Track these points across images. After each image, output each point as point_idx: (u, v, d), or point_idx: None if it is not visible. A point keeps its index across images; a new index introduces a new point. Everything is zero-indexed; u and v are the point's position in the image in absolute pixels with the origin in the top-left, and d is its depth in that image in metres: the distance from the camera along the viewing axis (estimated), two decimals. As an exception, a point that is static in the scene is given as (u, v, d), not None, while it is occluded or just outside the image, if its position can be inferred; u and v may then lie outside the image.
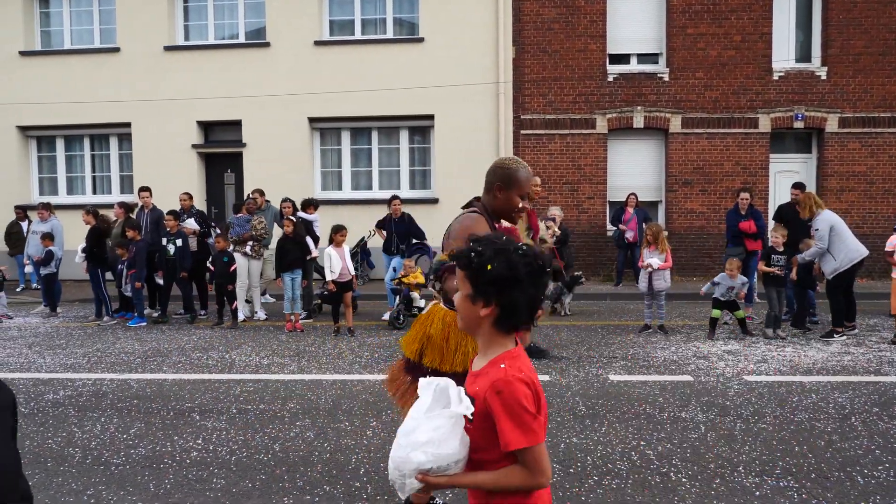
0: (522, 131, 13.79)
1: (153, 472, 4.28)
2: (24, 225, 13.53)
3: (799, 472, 4.21)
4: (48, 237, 10.81)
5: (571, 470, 4.25)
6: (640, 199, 12.91)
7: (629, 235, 12.43)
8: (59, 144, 15.20)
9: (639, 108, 13.63)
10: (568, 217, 12.44)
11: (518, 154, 13.77)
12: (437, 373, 3.18)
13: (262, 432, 4.99)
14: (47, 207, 11.51)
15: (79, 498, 3.90)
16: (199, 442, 4.80)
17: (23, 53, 14.68)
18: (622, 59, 13.95)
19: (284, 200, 10.08)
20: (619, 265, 12.94)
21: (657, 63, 13.88)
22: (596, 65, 13.66)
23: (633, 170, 14.04)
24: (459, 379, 2.93)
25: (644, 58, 14.00)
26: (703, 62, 13.52)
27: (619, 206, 13.08)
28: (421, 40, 13.84)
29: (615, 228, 12.96)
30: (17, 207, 14.02)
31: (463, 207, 3.45)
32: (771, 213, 11.38)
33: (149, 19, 14.34)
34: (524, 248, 1.76)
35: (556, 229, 10.12)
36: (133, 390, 6.20)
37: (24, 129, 14.91)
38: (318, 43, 14.03)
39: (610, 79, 13.68)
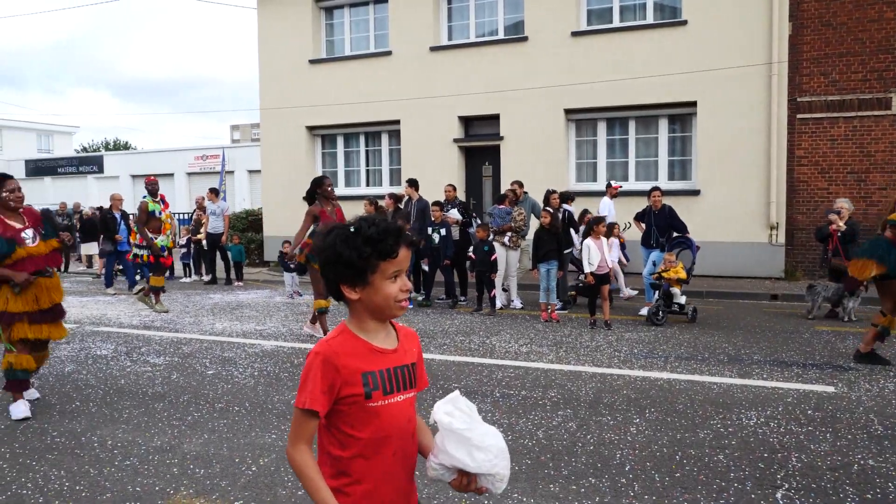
0: (799, 115, 12.52)
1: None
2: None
3: None
4: (331, 225, 12.07)
5: (869, 495, 3.76)
6: (947, 190, 11.09)
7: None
8: (339, 142, 16.89)
9: (949, 83, 11.68)
10: (854, 210, 11.07)
11: (794, 140, 12.55)
12: None
13: (526, 418, 5.09)
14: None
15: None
16: (467, 421, 5.01)
17: (311, 62, 16.50)
18: (928, 27, 12.04)
19: (552, 192, 10.21)
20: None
21: (976, 29, 11.77)
22: (894, 35, 11.94)
23: (939, 156, 12.07)
24: None
25: (958, 24, 11.94)
26: None
27: (919, 198, 11.35)
28: (684, 23, 13.16)
29: (913, 224, 11.28)
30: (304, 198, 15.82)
31: None
32: None
33: (417, 23, 15.33)
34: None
35: (841, 224, 9.09)
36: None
37: (311, 129, 16.79)
38: (575, 34, 13.97)
39: (911, 51, 11.89)
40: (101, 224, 13.90)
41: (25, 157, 38.99)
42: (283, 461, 4.27)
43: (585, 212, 10.75)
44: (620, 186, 11.63)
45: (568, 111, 14.16)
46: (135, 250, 10.70)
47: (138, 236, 10.42)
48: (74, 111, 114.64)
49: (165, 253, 10.44)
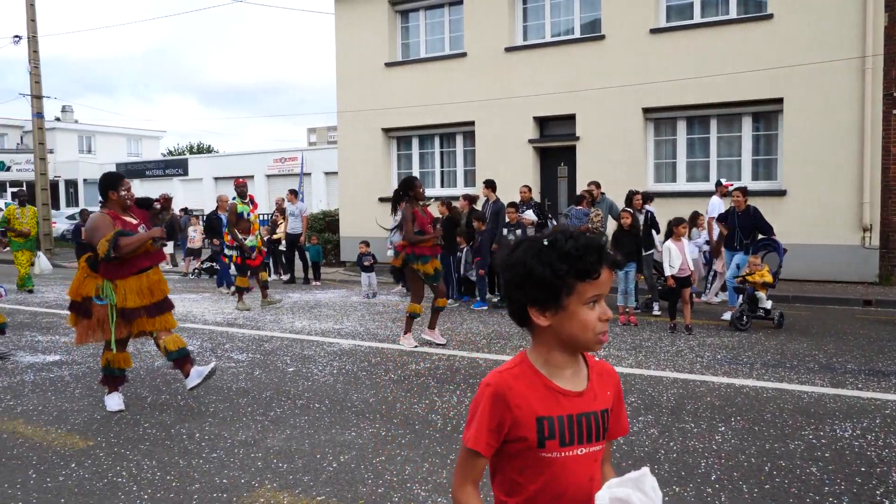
0: (895, 111, 11.87)
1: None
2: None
3: None
4: (406, 226, 12.18)
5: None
6: None
7: None
8: (415, 143, 17.03)
9: None
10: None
11: (890, 137, 11.91)
12: None
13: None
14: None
15: (443, 460, 4.29)
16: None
17: (387, 64, 16.70)
18: None
19: (634, 193, 10.02)
20: None
21: None
22: None
23: None
24: None
25: None
26: None
27: None
28: (769, 17, 12.67)
29: None
30: (381, 199, 16.09)
31: None
32: None
33: (492, 23, 15.31)
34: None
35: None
36: (481, 368, 6.67)
37: (387, 131, 17.00)
38: (654, 31, 13.65)
39: None
40: (207, 225, 14.42)
41: (117, 161, 40.96)
42: (363, 458, 4.32)
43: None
44: (732, 185, 11.28)
45: (646, 110, 13.85)
46: (225, 251, 11.10)
47: (230, 237, 10.75)
48: (162, 116, 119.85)
49: (254, 254, 10.73)
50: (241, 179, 11.14)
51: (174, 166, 36.87)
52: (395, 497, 3.77)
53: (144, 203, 5.71)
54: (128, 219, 5.38)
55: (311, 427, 4.97)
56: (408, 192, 7.65)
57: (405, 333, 7.79)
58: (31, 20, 21.46)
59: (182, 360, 5.43)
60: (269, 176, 32.23)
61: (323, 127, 47.96)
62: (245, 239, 10.59)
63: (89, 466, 4.30)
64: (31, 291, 12.94)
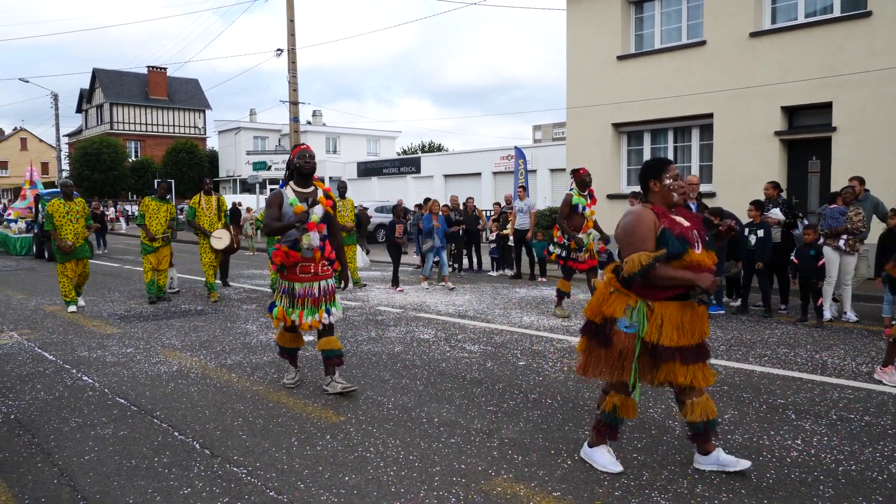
0: None
1: (753, 463, 4.19)
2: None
3: None
4: (637, 223, 11.80)
5: None
6: None
7: None
8: (646, 138, 16.44)
9: None
10: None
11: None
12: None
13: (872, 448, 4.43)
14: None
15: (683, 470, 4.08)
16: (799, 443, 4.53)
17: (619, 58, 16.28)
18: None
19: None
20: None
21: None
22: None
23: None
24: None
25: None
26: None
27: None
28: None
29: None
30: (609, 196, 15.75)
31: None
32: None
33: (735, 7, 14.29)
34: None
35: None
36: (722, 376, 6.26)
37: (617, 126, 16.59)
38: (935, 3, 11.89)
39: None
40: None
41: (357, 160, 44.44)
42: (598, 459, 4.24)
43: None
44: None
45: (922, 95, 12.12)
46: (550, 248, 9.58)
47: (559, 232, 9.32)
48: (400, 117, 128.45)
49: (583, 255, 9.15)
50: (584, 168, 9.27)
51: (408, 164, 39.14)
52: (634, 502, 3.65)
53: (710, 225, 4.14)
54: (678, 218, 3.85)
55: (544, 422, 4.99)
56: None
57: (886, 366, 6.13)
58: (291, 34, 23.94)
59: (706, 434, 4.02)
60: (495, 173, 33.04)
61: (548, 124, 48.10)
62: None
63: (342, 440, 4.68)
64: (363, 286, 13.15)
